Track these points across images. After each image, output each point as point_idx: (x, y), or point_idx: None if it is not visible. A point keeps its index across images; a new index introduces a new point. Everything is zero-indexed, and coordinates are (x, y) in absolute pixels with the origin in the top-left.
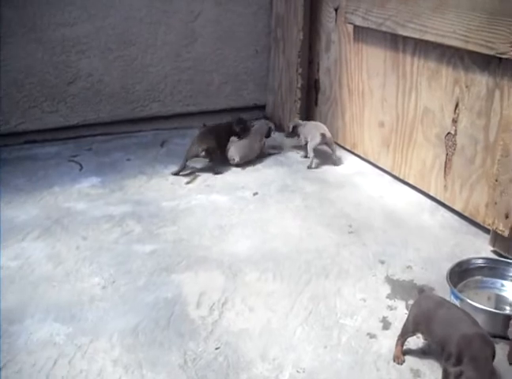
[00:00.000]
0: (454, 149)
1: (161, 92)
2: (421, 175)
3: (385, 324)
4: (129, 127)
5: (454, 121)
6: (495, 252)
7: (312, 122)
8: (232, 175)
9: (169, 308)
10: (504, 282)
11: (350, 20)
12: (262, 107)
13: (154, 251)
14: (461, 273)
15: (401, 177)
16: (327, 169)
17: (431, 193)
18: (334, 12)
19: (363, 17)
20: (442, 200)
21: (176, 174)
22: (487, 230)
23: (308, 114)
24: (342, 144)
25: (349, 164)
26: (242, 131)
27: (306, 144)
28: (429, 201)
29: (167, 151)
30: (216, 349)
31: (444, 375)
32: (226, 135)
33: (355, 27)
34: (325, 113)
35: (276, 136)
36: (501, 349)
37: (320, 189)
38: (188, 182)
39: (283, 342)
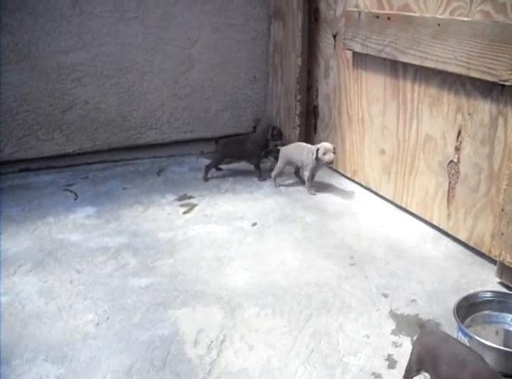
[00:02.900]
0: (457, 177)
1: (158, 120)
2: (424, 204)
3: (391, 363)
4: (125, 155)
5: (457, 149)
6: (501, 284)
7: (294, 144)
8: (230, 204)
9: (165, 346)
10: None
11: (349, 47)
12: None
13: (150, 285)
14: (468, 307)
15: (403, 205)
16: (326, 197)
17: (434, 222)
18: (333, 38)
19: (362, 44)
20: (446, 230)
21: (206, 177)
22: (493, 261)
23: (307, 140)
24: (342, 172)
25: (349, 192)
26: (278, 136)
27: (297, 170)
28: (432, 231)
29: (164, 180)
30: None
31: None
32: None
33: (354, 53)
34: (325, 140)
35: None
36: None
37: (320, 218)
38: (185, 212)
39: None
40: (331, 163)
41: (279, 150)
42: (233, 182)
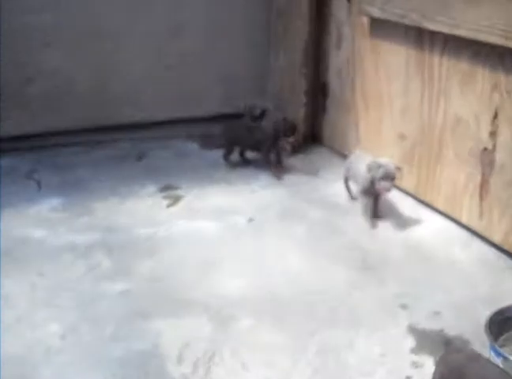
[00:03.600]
0: (492, 168)
1: (140, 95)
2: (451, 199)
3: None
4: (100, 136)
5: (492, 134)
6: None
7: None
8: (222, 196)
9: (144, 364)
10: None
11: (366, 12)
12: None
13: (126, 291)
14: (502, 323)
15: (427, 201)
16: (335, 190)
17: (464, 221)
18: (346, 1)
19: (381, 8)
20: (477, 230)
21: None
22: None
23: (314, 124)
24: None
25: None
26: (291, 131)
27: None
28: (461, 231)
29: (146, 166)
30: None
31: None
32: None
33: (372, 19)
34: (335, 122)
35: None
36: None
37: (327, 214)
38: (170, 205)
39: None
40: (386, 192)
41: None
42: (226, 171)
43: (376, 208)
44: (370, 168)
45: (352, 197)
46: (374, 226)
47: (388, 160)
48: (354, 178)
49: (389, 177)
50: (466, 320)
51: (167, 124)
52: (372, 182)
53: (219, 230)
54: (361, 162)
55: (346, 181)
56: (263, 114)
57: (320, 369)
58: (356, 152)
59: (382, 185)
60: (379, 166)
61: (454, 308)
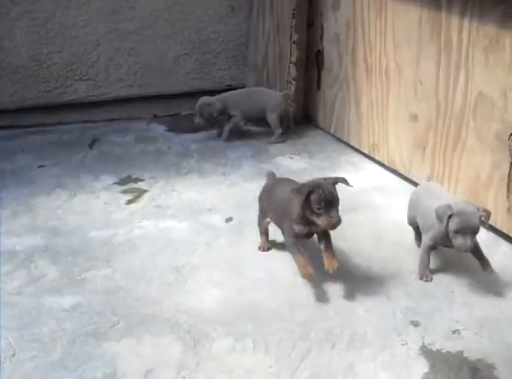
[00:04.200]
0: None
1: (91, 67)
2: (473, 193)
3: None
4: (42, 118)
5: None
6: None
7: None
8: (194, 191)
9: None
10: None
11: None
12: None
13: (77, 306)
14: None
15: None
16: None
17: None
18: None
19: None
20: (505, 230)
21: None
22: None
23: (307, 100)
24: (356, 146)
25: (365, 175)
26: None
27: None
28: (485, 231)
29: (100, 154)
30: None
31: None
32: None
33: None
34: (332, 99)
35: None
36: None
37: None
38: (130, 201)
39: None
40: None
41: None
42: (199, 159)
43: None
44: (439, 215)
45: (418, 244)
46: (428, 276)
47: (468, 203)
48: (423, 223)
49: (468, 230)
50: (490, 341)
51: (126, 103)
52: (446, 236)
53: (190, 232)
54: (433, 199)
55: (413, 222)
56: (221, 113)
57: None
58: (426, 183)
59: (457, 242)
60: (453, 213)
61: (477, 325)
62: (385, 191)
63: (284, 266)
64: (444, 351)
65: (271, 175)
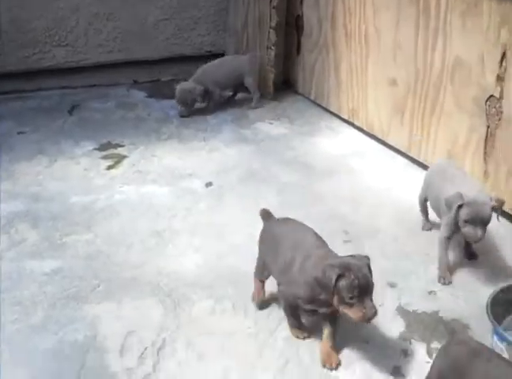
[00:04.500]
0: (499, 119)
1: (70, 33)
2: (451, 156)
3: (397, 378)
4: (21, 84)
5: (500, 78)
6: None
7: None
8: (174, 156)
9: (79, 356)
10: None
11: None
12: (220, 56)
13: (57, 270)
14: (508, 302)
15: (421, 159)
16: (313, 147)
17: None
18: None
19: None
20: None
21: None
22: None
23: (287, 65)
24: (336, 112)
25: (345, 140)
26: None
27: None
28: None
29: (80, 121)
30: None
31: None
32: None
33: None
34: (312, 65)
35: None
36: None
37: (302, 177)
38: (110, 167)
39: None
40: (473, 242)
41: None
42: (179, 125)
43: (468, 249)
44: (449, 204)
45: (426, 227)
46: (446, 279)
47: (481, 192)
48: (435, 205)
49: (479, 221)
50: (465, 301)
51: (106, 68)
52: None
53: (170, 197)
54: (449, 180)
55: (423, 202)
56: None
57: (291, 359)
58: (442, 162)
59: (467, 231)
60: (464, 202)
61: (452, 287)
62: (364, 155)
63: None
64: (420, 312)
65: (268, 215)
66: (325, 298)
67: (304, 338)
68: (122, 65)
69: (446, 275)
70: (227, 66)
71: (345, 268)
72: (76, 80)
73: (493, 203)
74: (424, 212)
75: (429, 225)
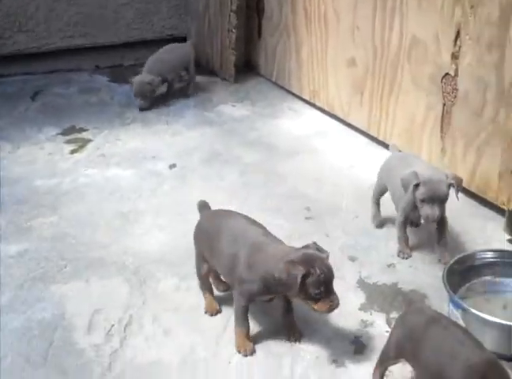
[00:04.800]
0: (455, 97)
1: (30, 18)
2: (409, 135)
3: (358, 348)
4: None
5: (455, 56)
6: None
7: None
8: (138, 140)
9: (46, 335)
10: None
11: None
12: (182, 40)
13: (24, 253)
14: (463, 273)
15: (381, 137)
16: (275, 128)
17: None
18: None
19: None
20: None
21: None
22: (501, 211)
23: (248, 49)
24: (297, 93)
25: (307, 121)
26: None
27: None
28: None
29: (43, 106)
30: None
31: None
32: None
33: None
34: (273, 47)
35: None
36: None
37: (265, 158)
38: (74, 151)
39: (213, 377)
40: (429, 222)
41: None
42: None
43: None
44: (404, 184)
45: (376, 224)
46: (405, 253)
47: (437, 170)
48: (393, 194)
49: (436, 199)
50: (424, 273)
51: (68, 54)
52: (414, 206)
53: (135, 179)
54: (408, 166)
55: (377, 197)
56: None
57: (255, 332)
58: (399, 153)
59: (424, 211)
60: (420, 181)
61: (411, 259)
62: (326, 135)
63: (227, 208)
64: (380, 284)
65: (204, 206)
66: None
67: (251, 353)
68: (84, 51)
69: (406, 250)
70: (177, 53)
71: (310, 265)
72: (38, 66)
73: (449, 181)
74: (375, 205)
75: (380, 219)
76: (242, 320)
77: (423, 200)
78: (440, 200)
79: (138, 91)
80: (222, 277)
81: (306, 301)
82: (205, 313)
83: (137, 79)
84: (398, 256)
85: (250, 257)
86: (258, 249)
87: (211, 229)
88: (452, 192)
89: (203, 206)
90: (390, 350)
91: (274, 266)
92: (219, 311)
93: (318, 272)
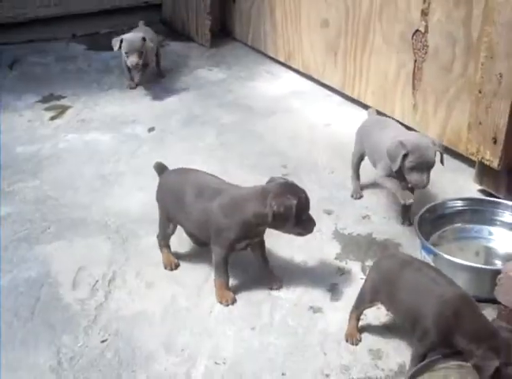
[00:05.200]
0: (425, 53)
1: None
2: (382, 92)
3: (335, 294)
4: None
5: (424, 13)
6: (483, 191)
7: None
8: (116, 105)
9: (33, 292)
10: (492, 228)
11: None
12: (157, 7)
13: (7, 216)
14: (435, 221)
15: (355, 96)
16: (252, 91)
17: (397, 116)
18: None
19: None
20: (411, 125)
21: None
22: (472, 163)
23: (223, 13)
24: (273, 56)
25: (283, 82)
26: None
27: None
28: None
29: (21, 75)
30: (103, 342)
31: (416, 358)
32: None
33: None
34: (247, 11)
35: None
36: (488, 316)
37: (242, 118)
38: (53, 117)
39: (194, 325)
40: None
41: None
42: (120, 75)
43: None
44: (392, 155)
45: (355, 195)
46: (407, 198)
47: (421, 136)
48: (372, 157)
49: (425, 166)
50: (397, 223)
51: (44, 23)
52: (400, 172)
53: (114, 142)
54: (383, 132)
55: (357, 162)
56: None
57: (235, 281)
58: (375, 116)
59: (413, 179)
60: (408, 151)
61: (384, 210)
62: (301, 96)
63: (206, 170)
64: (355, 234)
65: (162, 168)
66: (261, 229)
67: (232, 303)
68: (60, 20)
69: (406, 195)
70: (149, 35)
71: (296, 194)
72: (14, 35)
73: (436, 148)
74: (356, 173)
75: (360, 192)
76: (222, 271)
77: (412, 169)
78: (428, 167)
79: (132, 48)
80: (191, 231)
81: (294, 228)
82: (165, 268)
83: (128, 36)
84: (404, 203)
85: (223, 206)
86: (229, 196)
87: (174, 188)
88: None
89: (161, 167)
90: (366, 295)
91: (260, 205)
92: (177, 264)
93: (303, 196)
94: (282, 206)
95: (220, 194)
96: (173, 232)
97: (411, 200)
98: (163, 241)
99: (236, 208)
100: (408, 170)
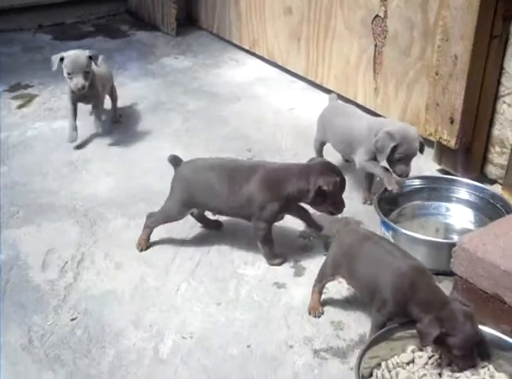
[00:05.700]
0: (385, 38)
1: None
2: (344, 77)
3: (298, 270)
4: None
5: None
6: (442, 171)
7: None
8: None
9: (2, 274)
10: (449, 205)
11: None
12: None
13: None
14: (394, 199)
15: (318, 81)
16: (217, 77)
17: (359, 101)
18: None
19: None
20: (373, 108)
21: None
22: (431, 144)
23: (189, 2)
24: (238, 43)
25: (248, 69)
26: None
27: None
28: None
29: None
30: (72, 320)
31: (376, 327)
32: None
33: None
34: (212, 1)
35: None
36: (446, 288)
37: (208, 104)
38: (21, 106)
39: (162, 303)
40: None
41: None
42: None
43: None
44: (380, 147)
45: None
46: (393, 185)
47: (405, 126)
48: (340, 144)
49: (411, 157)
50: (355, 201)
51: (10, 14)
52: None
53: (82, 130)
54: (352, 119)
55: (320, 147)
56: None
57: (201, 261)
58: (335, 103)
59: (398, 169)
60: (398, 142)
61: (347, 191)
62: (266, 82)
63: (171, 152)
64: (318, 213)
65: (177, 160)
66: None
67: (282, 262)
68: (26, 10)
69: (392, 182)
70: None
71: (337, 173)
72: None
73: (420, 138)
74: (320, 156)
75: None
76: (270, 240)
77: (399, 160)
78: (412, 157)
79: (77, 67)
80: (225, 215)
81: (329, 206)
82: (137, 247)
83: (70, 53)
84: (391, 190)
85: (265, 181)
86: (269, 171)
87: (201, 178)
88: None
89: (176, 160)
90: (327, 268)
91: (303, 182)
92: (148, 246)
93: (343, 177)
94: (327, 183)
95: (257, 171)
96: (197, 215)
97: (396, 187)
98: (154, 223)
99: (279, 182)
100: (395, 161)
